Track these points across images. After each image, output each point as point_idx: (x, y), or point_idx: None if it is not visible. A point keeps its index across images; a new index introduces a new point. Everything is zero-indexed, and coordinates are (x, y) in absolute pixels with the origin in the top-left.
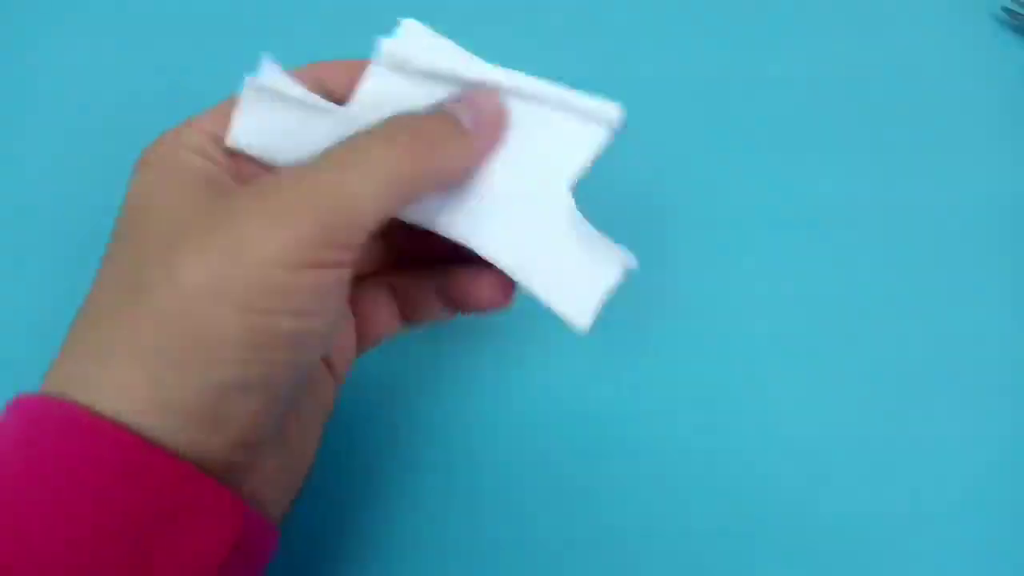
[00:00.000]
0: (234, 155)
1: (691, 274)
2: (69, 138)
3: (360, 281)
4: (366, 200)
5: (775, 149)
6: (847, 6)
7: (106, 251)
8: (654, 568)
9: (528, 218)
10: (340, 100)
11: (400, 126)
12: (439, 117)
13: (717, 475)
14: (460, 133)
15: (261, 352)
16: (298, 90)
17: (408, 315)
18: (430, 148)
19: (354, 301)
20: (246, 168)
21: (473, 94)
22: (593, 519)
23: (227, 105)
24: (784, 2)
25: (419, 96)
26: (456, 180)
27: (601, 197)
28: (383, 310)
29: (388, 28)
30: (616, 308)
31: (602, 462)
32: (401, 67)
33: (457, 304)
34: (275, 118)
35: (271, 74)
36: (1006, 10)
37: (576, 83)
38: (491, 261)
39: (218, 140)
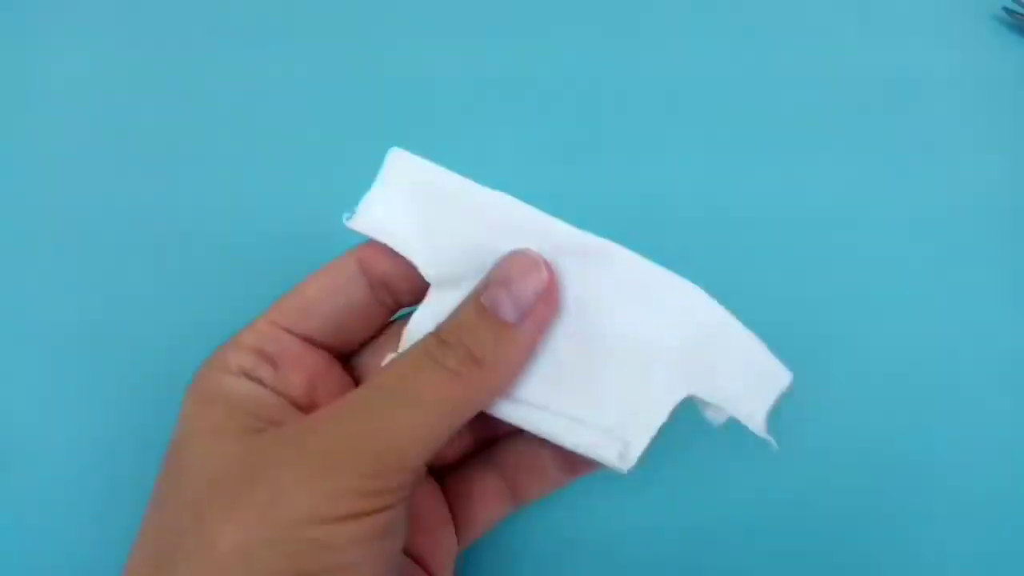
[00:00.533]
0: (282, 368)
1: (693, 274)
2: (69, 138)
3: (453, 467)
4: (413, 439)
5: (776, 150)
6: (847, 6)
7: (148, 504)
8: None
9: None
10: (388, 282)
11: (443, 346)
12: (477, 317)
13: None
14: (505, 331)
15: None
16: (442, 174)
17: (520, 490)
18: (478, 367)
19: (450, 490)
20: (295, 379)
21: (509, 268)
22: None
23: (265, 321)
24: (785, 2)
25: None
26: (514, 381)
27: (601, 201)
28: (487, 491)
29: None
30: None
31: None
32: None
33: (576, 461)
34: (407, 204)
35: (407, 161)
36: (1007, 10)
37: (576, 85)
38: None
39: (264, 355)
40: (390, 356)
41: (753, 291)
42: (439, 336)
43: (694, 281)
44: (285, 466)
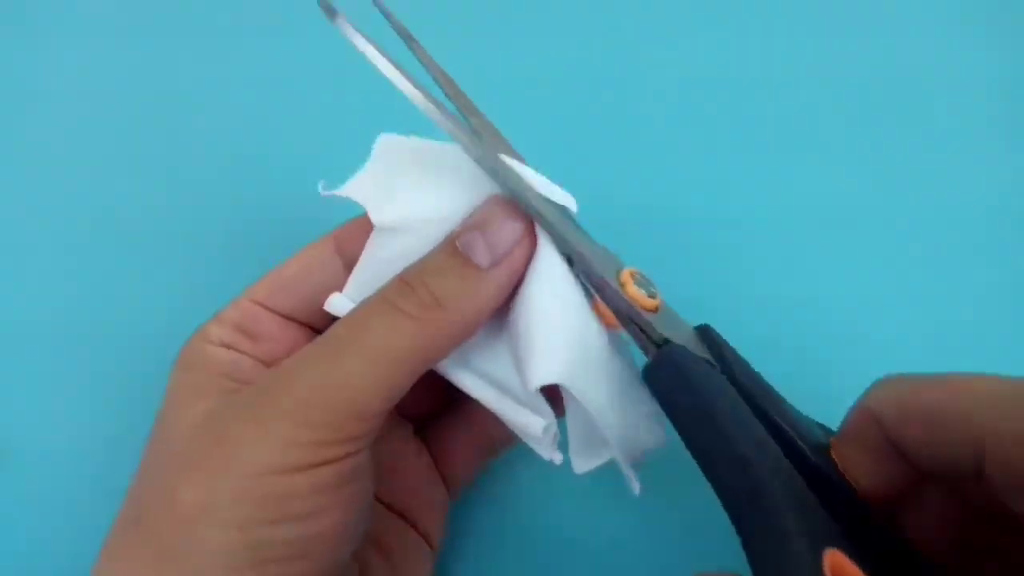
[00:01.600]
0: (261, 341)
1: (690, 274)
2: (67, 137)
3: (433, 416)
4: (369, 388)
5: (773, 149)
6: (844, 5)
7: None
8: None
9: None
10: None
11: (404, 288)
12: (448, 258)
13: None
14: (474, 275)
15: (266, 568)
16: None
17: (493, 436)
18: (440, 310)
19: (432, 442)
20: (274, 351)
21: (487, 214)
22: None
23: (246, 299)
24: (783, 1)
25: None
26: (475, 332)
27: (599, 201)
28: (467, 440)
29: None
30: None
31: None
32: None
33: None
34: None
35: (394, 142)
36: None
37: (575, 85)
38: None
39: (243, 330)
40: (333, 296)
41: (751, 291)
42: (402, 278)
43: (695, 282)
44: (244, 421)
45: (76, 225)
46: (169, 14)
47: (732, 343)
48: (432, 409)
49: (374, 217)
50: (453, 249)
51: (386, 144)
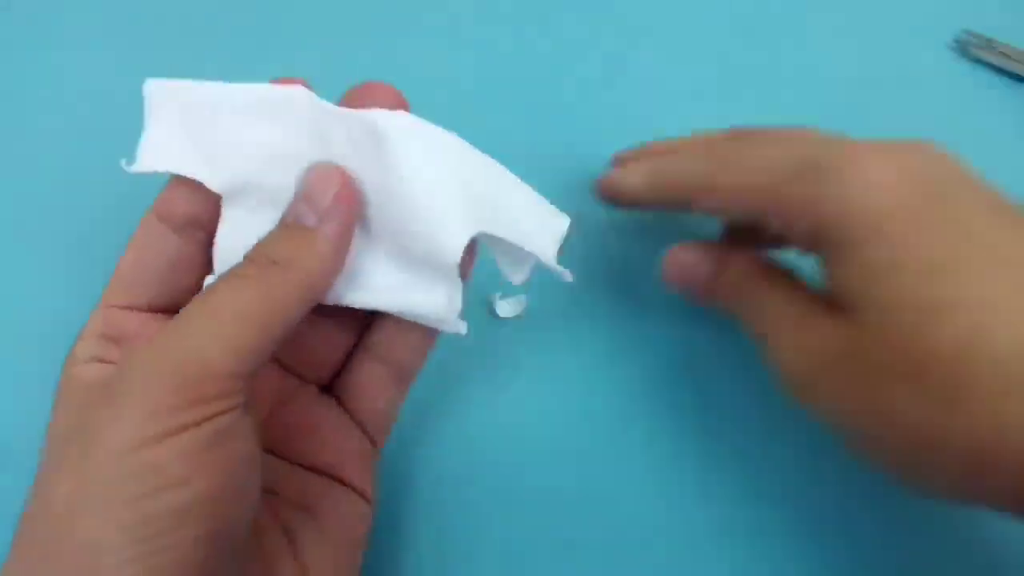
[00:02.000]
0: (127, 343)
1: None
2: (70, 136)
3: (341, 372)
4: (219, 348)
5: None
6: (839, 5)
7: None
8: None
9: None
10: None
11: (244, 260)
12: (280, 228)
13: (711, 462)
14: (305, 234)
15: (146, 544)
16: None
17: (401, 367)
18: (278, 269)
19: (344, 396)
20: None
21: (307, 185)
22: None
23: (101, 307)
24: (770, 11)
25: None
26: (327, 282)
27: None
28: (376, 382)
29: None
30: (605, 306)
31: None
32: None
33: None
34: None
35: (165, 87)
36: (958, 41)
37: (572, 85)
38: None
39: (107, 338)
40: (207, 279)
41: None
42: (246, 255)
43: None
44: (100, 405)
45: (76, 224)
46: (163, 17)
47: (728, 352)
48: (336, 367)
49: (213, 185)
50: (284, 223)
51: (159, 92)
